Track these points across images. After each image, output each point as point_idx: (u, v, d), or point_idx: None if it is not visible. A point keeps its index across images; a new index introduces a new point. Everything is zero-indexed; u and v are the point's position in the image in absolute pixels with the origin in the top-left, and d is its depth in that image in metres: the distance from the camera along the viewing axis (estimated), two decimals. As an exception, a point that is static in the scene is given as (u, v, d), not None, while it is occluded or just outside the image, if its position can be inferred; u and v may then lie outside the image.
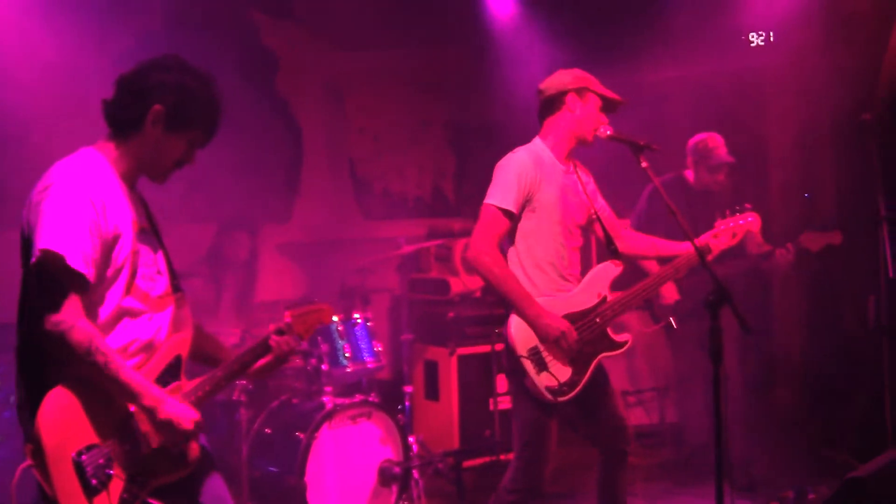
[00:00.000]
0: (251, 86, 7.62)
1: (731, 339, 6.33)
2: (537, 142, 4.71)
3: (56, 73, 6.02)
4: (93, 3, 6.18)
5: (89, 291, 3.09)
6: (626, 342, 4.66)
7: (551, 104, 4.69)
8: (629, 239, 4.95)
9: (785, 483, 6.21)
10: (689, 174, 6.64)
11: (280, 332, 3.62)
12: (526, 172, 4.50)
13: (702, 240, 4.83)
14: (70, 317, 2.99)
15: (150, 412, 3.14)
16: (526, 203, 4.52)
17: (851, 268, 6.58)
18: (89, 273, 3.05)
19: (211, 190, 6.94)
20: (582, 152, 4.83)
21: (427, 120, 8.91)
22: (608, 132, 4.59)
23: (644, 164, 4.36)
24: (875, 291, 5.74)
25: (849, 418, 7.06)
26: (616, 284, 4.74)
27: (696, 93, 8.52)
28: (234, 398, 5.79)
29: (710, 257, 4.75)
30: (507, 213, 4.47)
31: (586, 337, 4.49)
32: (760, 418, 7.01)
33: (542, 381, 4.37)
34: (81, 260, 3.02)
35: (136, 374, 3.15)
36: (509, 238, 4.58)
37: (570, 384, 4.42)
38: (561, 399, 4.41)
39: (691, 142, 6.61)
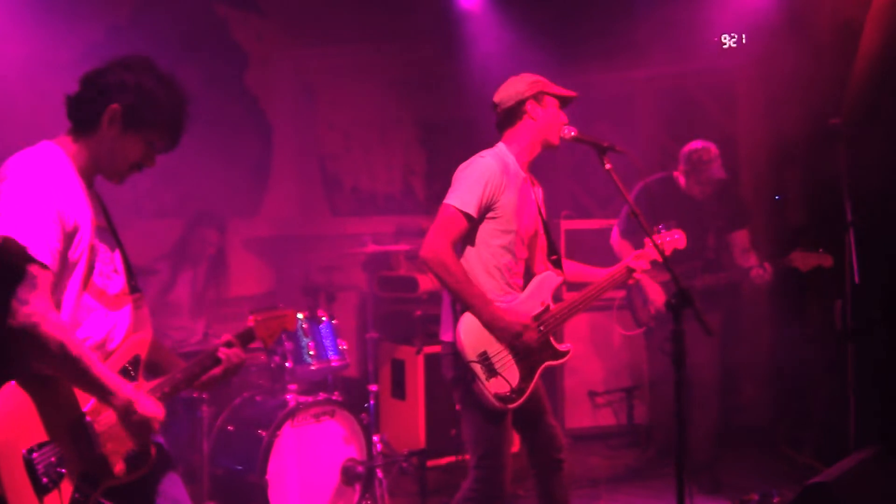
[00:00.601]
0: (220, 81, 7.56)
1: (698, 343, 6.37)
2: (502, 147, 4.62)
3: (21, 67, 5.94)
4: (59, -3, 6.12)
5: (53, 282, 3.03)
6: (567, 351, 4.64)
7: (511, 115, 4.62)
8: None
9: (749, 485, 6.22)
10: (680, 177, 6.62)
11: (229, 345, 3.54)
12: (493, 178, 4.41)
13: (624, 263, 4.84)
14: (41, 308, 2.93)
15: (123, 410, 3.09)
16: (487, 208, 4.44)
17: (818, 272, 6.58)
18: (53, 263, 2.99)
19: (178, 185, 6.87)
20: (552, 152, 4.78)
21: (397, 117, 8.87)
22: (572, 133, 4.51)
23: (608, 166, 4.30)
24: (841, 296, 5.74)
25: (813, 422, 7.09)
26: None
27: (666, 93, 8.54)
28: (196, 395, 5.73)
29: (632, 279, 4.83)
30: (466, 216, 4.38)
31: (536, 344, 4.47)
32: (726, 421, 7.02)
33: (492, 387, 4.31)
34: (45, 250, 2.97)
35: (109, 371, 3.10)
36: (465, 240, 4.50)
37: (518, 391, 4.38)
38: (510, 406, 4.35)
39: (686, 149, 6.54)
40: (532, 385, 4.44)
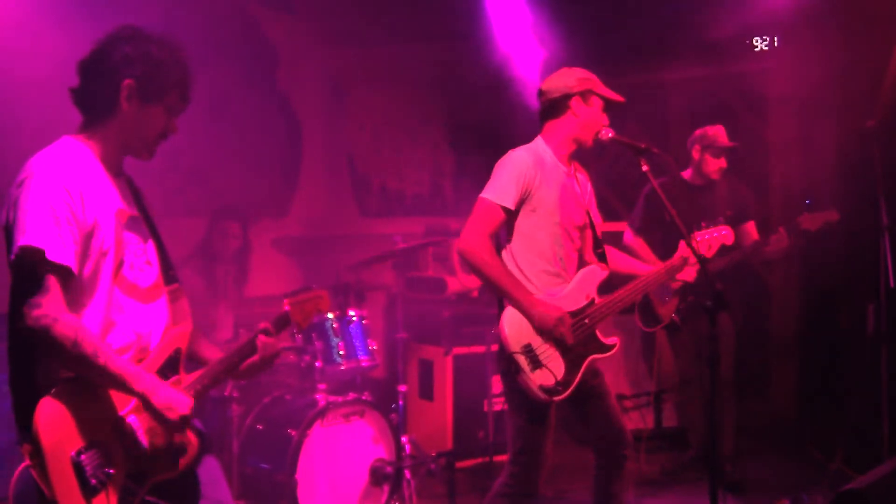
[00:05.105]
0: (251, 80, 7.56)
1: (725, 342, 6.33)
2: (539, 142, 4.66)
3: (52, 66, 5.94)
4: (89, -3, 6.12)
5: (73, 284, 3.02)
6: (614, 345, 4.61)
7: (555, 107, 4.62)
8: (608, 255, 4.86)
9: (777, 486, 6.16)
10: (687, 174, 6.64)
11: (267, 334, 3.53)
12: (526, 171, 4.45)
13: (678, 254, 4.83)
14: (53, 310, 2.92)
15: (144, 399, 3.08)
16: (523, 201, 4.46)
17: (851, 275, 6.52)
18: (71, 264, 2.99)
19: (208, 184, 6.86)
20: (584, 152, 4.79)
21: (427, 117, 8.86)
22: (610, 135, 4.53)
23: (644, 168, 4.32)
24: (874, 300, 5.69)
25: (843, 426, 7.02)
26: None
27: (697, 95, 8.50)
28: (226, 394, 5.74)
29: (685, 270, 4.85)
30: (503, 208, 4.42)
31: (577, 337, 4.44)
32: (755, 421, 6.97)
33: (537, 378, 4.29)
34: (62, 252, 2.96)
35: (127, 363, 3.09)
36: (506, 236, 4.54)
37: (564, 384, 4.36)
38: (555, 398, 4.34)
39: (694, 135, 6.59)
40: (578, 377, 4.42)
